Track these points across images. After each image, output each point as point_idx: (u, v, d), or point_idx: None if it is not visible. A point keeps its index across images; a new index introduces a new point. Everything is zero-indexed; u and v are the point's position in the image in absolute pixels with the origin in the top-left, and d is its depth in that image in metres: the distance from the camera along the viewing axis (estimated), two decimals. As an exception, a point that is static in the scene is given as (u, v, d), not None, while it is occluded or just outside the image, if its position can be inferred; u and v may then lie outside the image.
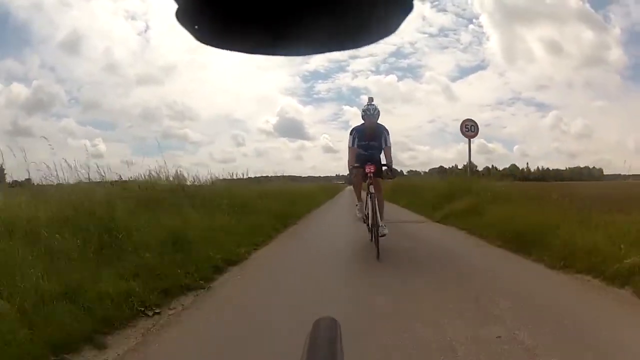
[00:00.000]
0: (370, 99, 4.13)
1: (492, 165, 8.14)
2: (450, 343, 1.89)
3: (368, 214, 3.99)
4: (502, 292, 2.64)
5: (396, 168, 4.15)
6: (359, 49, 0.27)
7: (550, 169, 7.66)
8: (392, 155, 4.09)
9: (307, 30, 0.25)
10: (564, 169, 8.40)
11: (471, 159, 9.19)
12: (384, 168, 4.08)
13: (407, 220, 7.05)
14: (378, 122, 4.06)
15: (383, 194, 4.28)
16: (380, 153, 4.12)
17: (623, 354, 1.76)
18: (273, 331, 2.10)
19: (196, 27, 0.25)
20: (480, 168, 9.85)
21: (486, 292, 2.63)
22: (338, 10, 0.25)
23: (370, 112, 3.97)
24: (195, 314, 2.46)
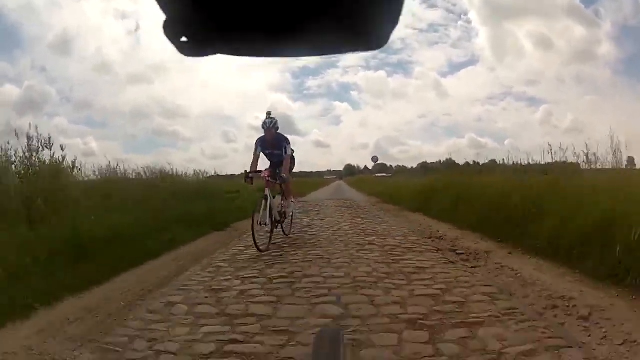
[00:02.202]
0: (268, 113, 4.51)
1: (474, 161, 10.08)
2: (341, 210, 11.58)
3: (266, 215, 4.13)
4: (364, 208, 12.36)
5: (283, 176, 4.46)
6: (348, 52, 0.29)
7: (531, 163, 6.29)
8: (289, 164, 4.59)
9: (300, 34, 0.26)
10: (544, 163, 5.85)
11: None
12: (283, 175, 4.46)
13: (347, 193, 16.99)
14: (279, 132, 4.50)
15: (292, 194, 4.91)
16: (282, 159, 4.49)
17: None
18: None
19: (183, 39, 0.26)
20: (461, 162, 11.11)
21: (359, 206, 12.35)
22: (329, 18, 0.26)
23: (267, 126, 4.37)
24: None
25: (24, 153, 4.72)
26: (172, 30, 0.25)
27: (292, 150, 4.69)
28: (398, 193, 10.55)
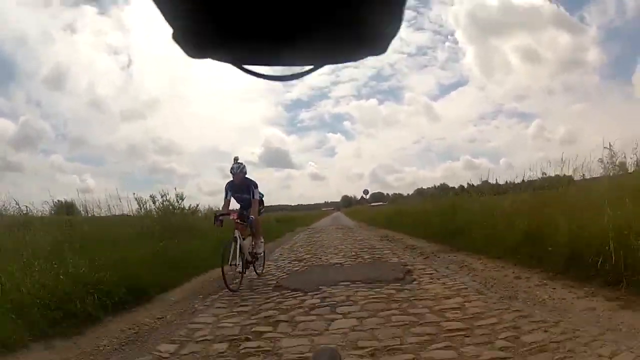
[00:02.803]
0: (236, 159, 4.71)
1: (468, 183, 10.55)
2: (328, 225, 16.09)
3: (236, 256, 4.25)
4: (352, 229, 16.87)
5: (251, 217, 4.55)
6: (348, 63, 0.30)
7: (525, 180, 6.59)
8: (257, 207, 4.69)
9: (302, 44, 0.27)
10: (536, 179, 6.25)
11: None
12: (251, 216, 4.56)
13: (343, 221, 21.47)
14: (247, 177, 4.71)
15: (261, 235, 4.96)
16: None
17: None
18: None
19: (192, 45, 0.26)
20: (455, 186, 11.84)
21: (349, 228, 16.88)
22: (330, 26, 0.26)
23: (234, 171, 4.57)
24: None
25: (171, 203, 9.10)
26: (179, 37, 0.26)
27: (262, 195, 4.98)
28: (377, 218, 15.08)
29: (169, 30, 0.26)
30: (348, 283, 3.77)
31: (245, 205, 4.72)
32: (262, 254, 5.01)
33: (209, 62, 0.28)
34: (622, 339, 2.05)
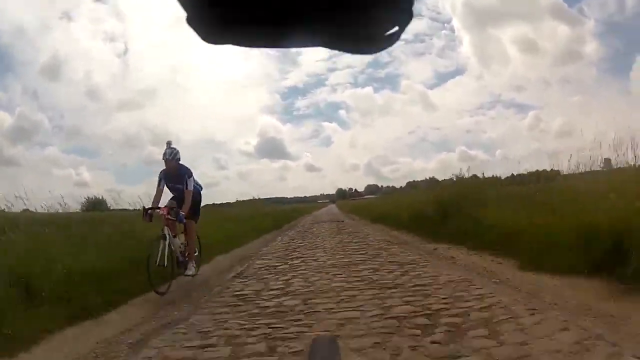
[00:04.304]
0: (169, 143, 4.30)
1: (457, 176, 9.84)
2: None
3: (164, 255, 3.88)
4: (337, 214, 26.80)
5: (181, 214, 4.14)
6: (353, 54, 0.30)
7: (514, 174, 9.19)
8: (190, 200, 4.23)
9: (312, 28, 0.28)
10: (525, 173, 8.37)
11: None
12: (181, 212, 4.12)
13: (333, 210, 31.54)
14: (181, 163, 4.29)
15: (195, 233, 4.46)
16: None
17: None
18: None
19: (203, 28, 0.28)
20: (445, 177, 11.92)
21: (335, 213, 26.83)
22: (342, 15, 0.27)
23: (166, 156, 4.17)
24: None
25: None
26: (194, 23, 0.27)
27: (200, 187, 4.63)
28: (353, 208, 25.16)
29: (180, 15, 0.27)
30: (327, 221, 14.24)
31: (179, 196, 4.33)
32: (196, 253, 4.53)
33: (211, 47, 0.31)
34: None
